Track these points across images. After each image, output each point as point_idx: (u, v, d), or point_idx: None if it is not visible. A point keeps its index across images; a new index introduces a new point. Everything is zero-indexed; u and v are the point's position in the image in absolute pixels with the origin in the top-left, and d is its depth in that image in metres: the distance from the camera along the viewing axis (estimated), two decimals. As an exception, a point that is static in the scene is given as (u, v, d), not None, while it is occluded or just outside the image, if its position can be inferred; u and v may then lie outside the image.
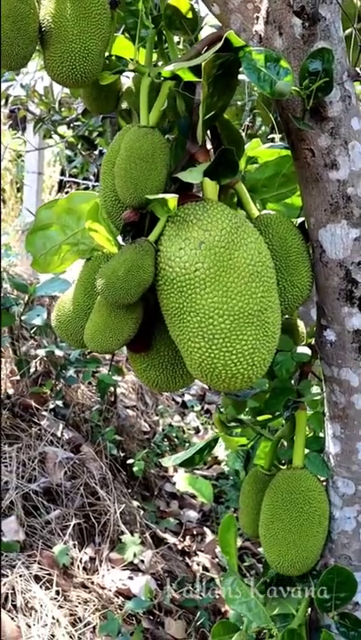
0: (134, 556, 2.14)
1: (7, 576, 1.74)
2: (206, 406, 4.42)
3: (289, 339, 1.45)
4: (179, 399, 4.39)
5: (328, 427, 1.47)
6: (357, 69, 1.17)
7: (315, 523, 1.45)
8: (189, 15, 1.18)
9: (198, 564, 2.42)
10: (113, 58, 1.24)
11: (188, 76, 1.14)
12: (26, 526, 2.04)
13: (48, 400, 2.59)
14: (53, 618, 1.76)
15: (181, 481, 2.56)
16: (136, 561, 2.16)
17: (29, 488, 2.15)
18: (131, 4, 1.16)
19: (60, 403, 2.56)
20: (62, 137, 3.36)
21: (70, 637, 1.71)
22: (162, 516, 2.67)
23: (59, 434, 2.45)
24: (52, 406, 2.57)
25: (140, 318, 1.25)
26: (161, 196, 1.10)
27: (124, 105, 1.37)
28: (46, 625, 1.68)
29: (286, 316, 1.55)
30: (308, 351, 1.45)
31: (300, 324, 1.53)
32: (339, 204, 1.24)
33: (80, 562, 2.07)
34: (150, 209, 1.16)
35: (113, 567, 2.14)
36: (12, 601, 1.72)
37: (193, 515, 2.85)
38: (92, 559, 2.11)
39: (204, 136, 1.19)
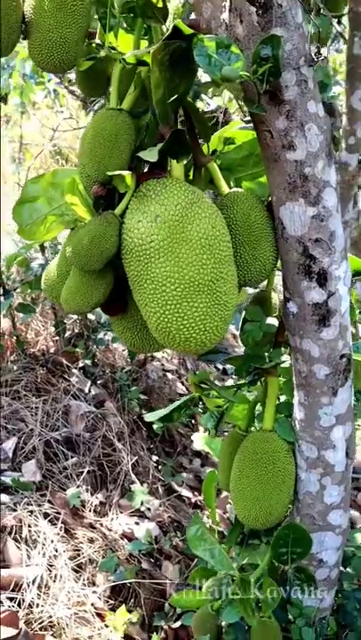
0: (141, 503, 2.24)
1: (16, 510, 1.89)
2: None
3: (260, 309, 1.48)
4: (220, 366, 4.44)
5: (295, 394, 1.51)
6: (313, 54, 1.18)
7: (278, 482, 1.49)
8: (160, 4, 1.22)
9: (208, 518, 2.50)
10: (93, 45, 1.29)
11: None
12: (44, 470, 2.18)
13: (79, 359, 2.72)
14: (56, 551, 1.89)
15: (198, 440, 2.64)
16: (143, 509, 2.27)
17: (51, 436, 2.28)
18: (100, -5, 1.21)
19: (88, 362, 2.68)
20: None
21: (66, 567, 1.84)
22: (179, 471, 2.76)
23: (86, 390, 2.57)
24: (81, 365, 2.69)
25: (111, 284, 1.32)
26: (118, 172, 1.16)
27: (112, 88, 1.42)
28: (45, 555, 1.81)
29: (262, 289, 1.58)
30: (276, 322, 1.48)
31: (274, 296, 1.55)
32: (296, 184, 1.26)
33: (91, 505, 2.19)
34: (113, 184, 1.22)
35: (121, 512, 2.26)
36: (19, 532, 1.86)
37: (212, 473, 2.91)
38: (102, 503, 2.24)
39: (171, 117, 1.23)
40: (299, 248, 1.31)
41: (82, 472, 2.25)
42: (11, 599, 1.73)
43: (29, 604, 1.72)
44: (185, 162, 1.23)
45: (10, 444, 2.18)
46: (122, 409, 2.60)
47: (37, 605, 1.74)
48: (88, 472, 2.27)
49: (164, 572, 2.09)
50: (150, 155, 1.17)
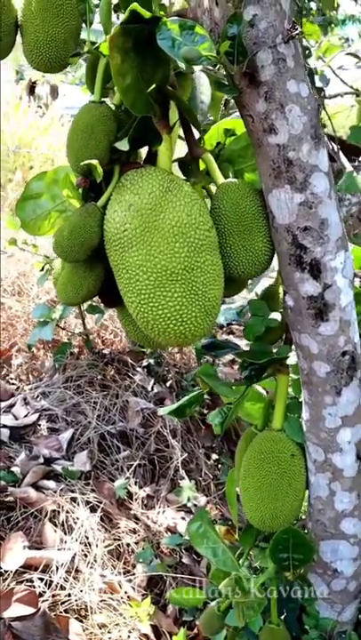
0: (188, 500, 2.15)
1: (58, 496, 1.87)
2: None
3: (264, 303, 1.36)
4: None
5: (303, 392, 1.36)
6: (288, 30, 1.05)
7: (284, 483, 1.35)
8: (143, -4, 1.15)
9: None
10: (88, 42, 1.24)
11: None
12: (96, 461, 2.16)
13: (144, 358, 2.68)
14: (91, 537, 1.85)
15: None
16: (190, 505, 2.17)
17: (106, 429, 2.25)
18: (79, -8, 1.16)
19: (152, 361, 2.63)
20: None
21: (101, 554, 1.79)
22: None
23: (148, 388, 2.53)
24: (145, 363, 2.65)
25: (101, 276, 1.27)
26: (88, 162, 1.10)
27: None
28: (77, 540, 1.77)
29: (272, 284, 1.45)
30: (279, 317, 1.34)
31: (282, 290, 1.41)
32: (281, 169, 1.13)
33: (138, 497, 2.13)
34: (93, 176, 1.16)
35: (169, 507, 2.18)
36: (57, 518, 1.84)
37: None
38: (150, 497, 2.17)
39: (152, 107, 1.15)
40: (288, 237, 1.17)
41: (132, 465, 2.20)
42: (41, 580, 1.71)
43: (56, 587, 1.69)
44: (162, 150, 1.14)
45: (66, 435, 2.18)
46: (181, 407, 2.51)
47: (64, 588, 1.70)
48: (139, 466, 2.22)
49: (201, 568, 1.98)
50: (122, 144, 1.11)
